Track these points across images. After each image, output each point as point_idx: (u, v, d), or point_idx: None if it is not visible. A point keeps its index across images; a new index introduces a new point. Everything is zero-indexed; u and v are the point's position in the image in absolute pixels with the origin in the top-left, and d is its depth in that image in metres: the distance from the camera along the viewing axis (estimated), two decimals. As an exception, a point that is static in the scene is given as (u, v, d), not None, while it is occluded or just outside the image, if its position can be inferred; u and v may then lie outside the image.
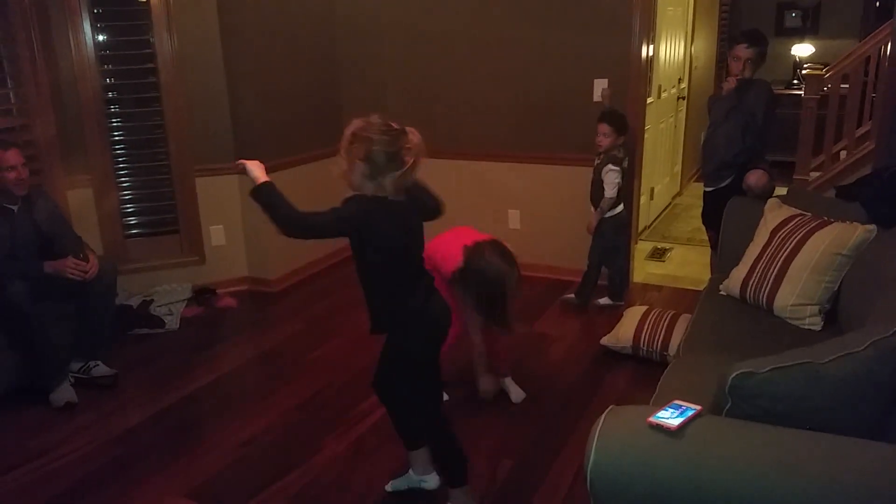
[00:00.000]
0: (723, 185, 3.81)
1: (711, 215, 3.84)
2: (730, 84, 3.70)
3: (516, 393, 3.28)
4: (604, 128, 4.01)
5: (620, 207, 4.16)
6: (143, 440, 3.05)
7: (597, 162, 4.10)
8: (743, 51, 3.64)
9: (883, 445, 1.49)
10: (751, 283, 2.96)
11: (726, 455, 1.48)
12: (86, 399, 3.33)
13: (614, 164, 4.00)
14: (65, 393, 3.29)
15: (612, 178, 4.01)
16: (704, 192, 4.02)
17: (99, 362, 3.52)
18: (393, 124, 2.24)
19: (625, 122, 4.06)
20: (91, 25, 4.07)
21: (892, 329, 1.66)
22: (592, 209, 4.15)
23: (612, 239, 4.20)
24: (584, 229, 4.21)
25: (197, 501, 2.61)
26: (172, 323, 4.15)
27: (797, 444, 1.49)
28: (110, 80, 4.26)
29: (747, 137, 3.67)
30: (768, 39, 3.76)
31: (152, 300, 4.24)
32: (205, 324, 4.24)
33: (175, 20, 4.19)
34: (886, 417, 1.65)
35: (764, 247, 2.98)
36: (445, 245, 3.00)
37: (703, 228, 4.34)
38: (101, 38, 4.17)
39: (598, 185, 4.08)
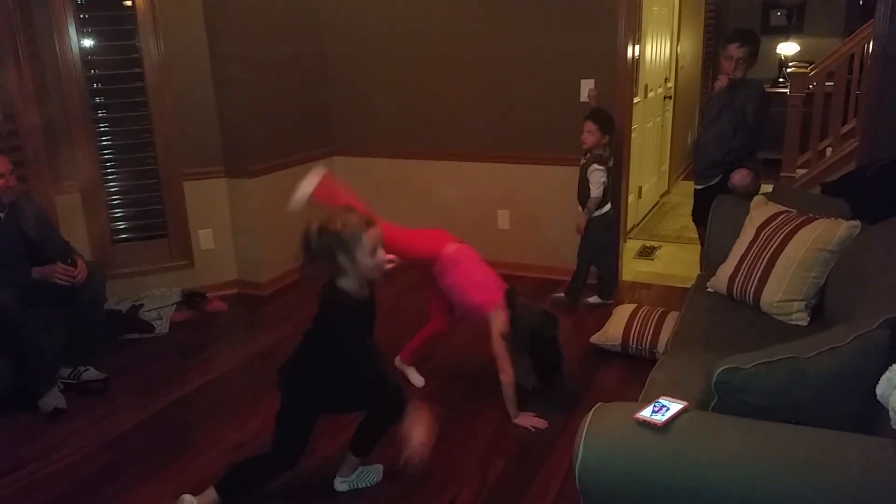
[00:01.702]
0: (712, 183, 3.84)
1: (701, 213, 3.87)
2: (721, 82, 3.72)
3: (417, 380, 3.45)
4: (589, 125, 4.02)
5: (608, 207, 4.18)
6: (134, 445, 3.04)
7: (583, 161, 4.12)
8: (735, 50, 3.67)
9: (867, 438, 1.51)
10: (737, 279, 2.99)
11: (713, 450, 1.50)
12: (76, 405, 3.32)
13: (599, 163, 4.03)
14: (53, 399, 3.27)
15: (597, 178, 4.03)
16: (695, 189, 4.05)
17: (89, 367, 3.51)
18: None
19: (611, 121, 4.08)
20: (77, 31, 4.05)
21: (874, 323, 1.68)
22: (580, 209, 4.17)
23: (601, 238, 4.22)
24: (574, 229, 4.23)
25: (188, 505, 2.61)
26: (162, 327, 4.14)
27: (782, 438, 1.51)
28: (97, 86, 4.25)
29: (738, 136, 3.69)
30: (760, 39, 3.80)
31: (142, 305, 4.23)
32: (195, 328, 4.23)
33: (161, 25, 4.18)
34: (870, 411, 1.67)
35: (750, 243, 3.01)
36: (470, 270, 3.13)
37: (691, 226, 4.38)
38: (87, 43, 4.15)
39: (584, 185, 4.10)
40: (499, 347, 2.97)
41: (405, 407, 2.34)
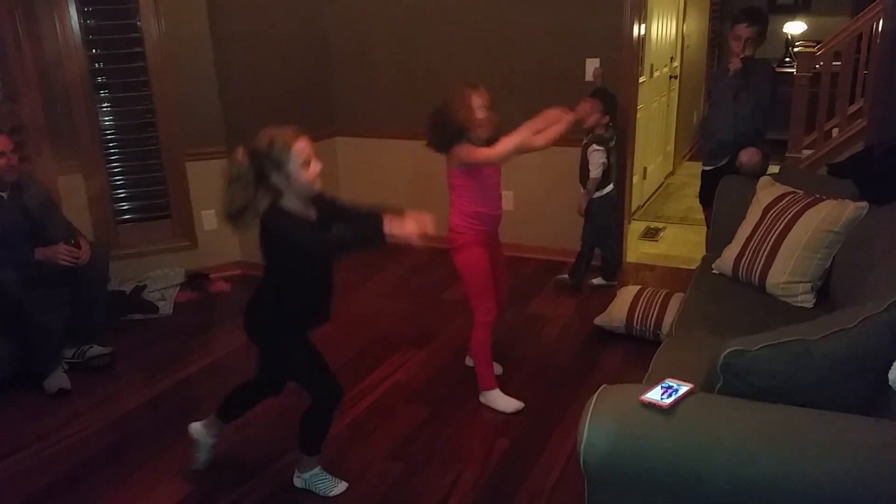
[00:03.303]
0: (722, 163, 3.81)
1: (708, 194, 3.84)
2: (735, 64, 3.67)
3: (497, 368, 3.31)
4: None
5: (609, 188, 4.14)
6: (138, 425, 3.05)
7: (584, 142, 4.09)
8: (744, 30, 3.62)
9: (874, 421, 1.50)
10: (743, 261, 2.97)
11: (718, 432, 1.49)
12: (80, 385, 3.32)
13: (599, 143, 4.00)
14: (58, 379, 3.28)
15: (596, 159, 4.01)
16: (703, 170, 4.01)
17: (93, 345, 3.51)
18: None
19: (612, 101, 4.04)
20: (77, 10, 4.02)
21: (882, 305, 1.67)
22: (582, 190, 4.14)
23: (602, 219, 4.19)
24: (577, 210, 4.21)
25: (193, 485, 2.62)
26: (166, 308, 4.14)
27: (788, 421, 1.51)
28: (98, 65, 4.22)
29: (756, 117, 3.66)
30: (768, 18, 3.75)
31: (145, 286, 4.23)
32: (198, 308, 4.23)
33: (162, 3, 4.14)
34: (877, 393, 1.66)
35: (756, 225, 2.99)
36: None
37: (696, 207, 4.35)
38: (87, 22, 4.11)
39: (585, 166, 4.08)
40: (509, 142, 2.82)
41: (341, 392, 2.47)
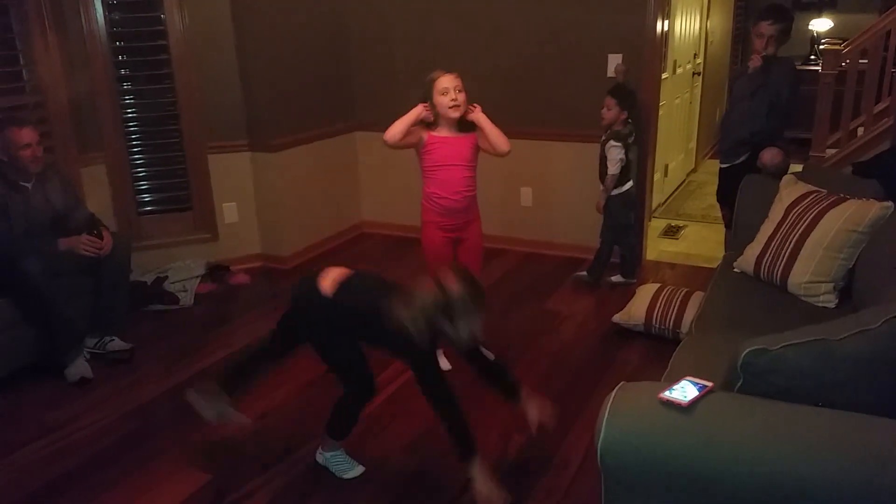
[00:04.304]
0: (738, 161, 3.78)
1: (726, 192, 3.81)
2: (755, 62, 3.64)
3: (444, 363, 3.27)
4: (608, 101, 3.98)
5: (628, 185, 4.11)
6: (158, 415, 3.09)
7: (603, 138, 4.07)
8: (767, 27, 3.59)
9: (895, 422, 1.48)
10: (765, 260, 2.94)
11: (737, 431, 1.48)
12: (101, 374, 3.37)
13: (617, 140, 3.97)
14: (80, 368, 3.32)
15: (614, 155, 3.98)
16: (720, 168, 3.98)
17: (115, 337, 3.55)
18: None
19: (631, 97, 4.01)
20: (102, 3, 4.06)
21: (906, 306, 1.64)
22: (601, 187, 4.12)
23: (621, 216, 4.16)
24: (595, 207, 4.19)
25: (212, 474, 2.64)
26: (187, 299, 4.18)
27: (809, 421, 1.49)
28: (122, 58, 4.26)
29: (771, 116, 3.62)
30: (792, 15, 3.70)
31: (166, 277, 4.27)
32: (219, 300, 4.27)
33: (186, -4, 4.18)
34: (900, 395, 1.64)
35: (779, 224, 2.96)
36: None
37: (717, 206, 4.31)
38: (112, 15, 4.15)
39: (604, 162, 4.06)
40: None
41: (374, 393, 2.56)
